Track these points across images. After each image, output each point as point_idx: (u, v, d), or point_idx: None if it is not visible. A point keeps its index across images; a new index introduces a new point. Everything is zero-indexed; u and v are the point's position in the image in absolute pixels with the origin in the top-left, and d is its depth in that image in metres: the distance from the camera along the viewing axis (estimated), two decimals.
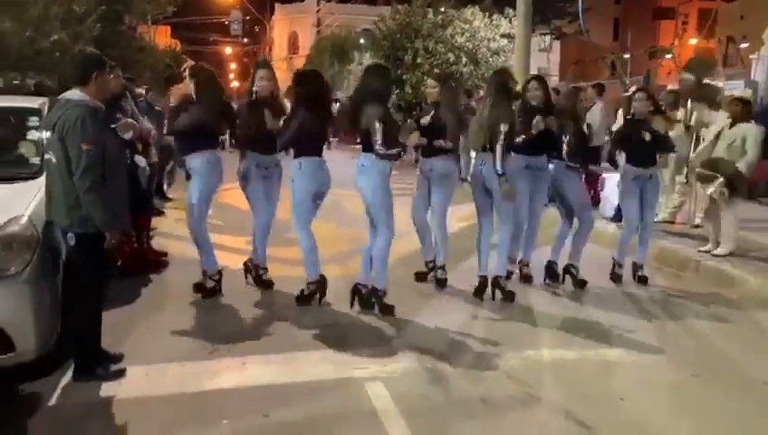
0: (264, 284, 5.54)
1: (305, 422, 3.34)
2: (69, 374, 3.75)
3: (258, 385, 3.73)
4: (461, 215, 7.68)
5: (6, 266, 3.48)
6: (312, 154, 5.04)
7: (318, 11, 46.89)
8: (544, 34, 29.48)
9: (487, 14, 16.57)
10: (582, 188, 6.02)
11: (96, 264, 3.69)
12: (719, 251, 6.45)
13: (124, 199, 3.80)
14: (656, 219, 8.44)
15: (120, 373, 3.81)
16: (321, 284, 5.13)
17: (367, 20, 21.04)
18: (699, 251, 6.65)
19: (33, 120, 4.66)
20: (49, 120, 3.64)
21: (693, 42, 33.23)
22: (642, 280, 5.95)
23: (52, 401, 3.52)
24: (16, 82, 11.39)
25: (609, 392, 3.75)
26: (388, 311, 4.90)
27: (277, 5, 51.39)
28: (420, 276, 5.83)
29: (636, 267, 6.02)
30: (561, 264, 5.88)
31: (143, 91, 10.46)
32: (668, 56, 29.59)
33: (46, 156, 3.68)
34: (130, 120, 5.84)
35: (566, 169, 5.62)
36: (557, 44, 41.86)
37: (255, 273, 5.59)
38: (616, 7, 53.22)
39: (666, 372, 4.08)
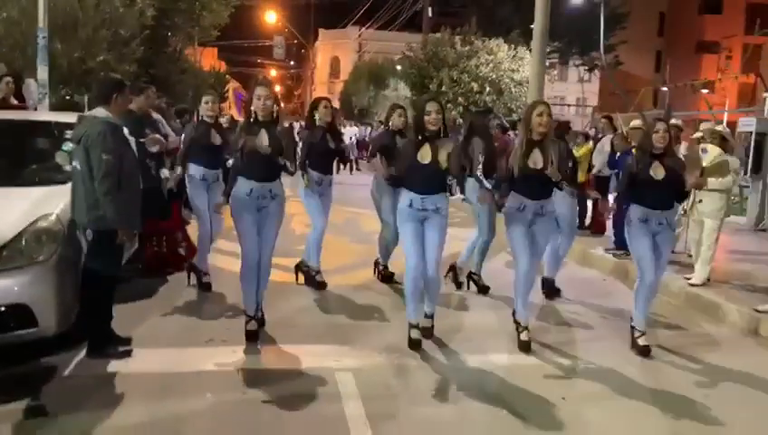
0: (318, 285, 6.27)
1: (275, 398, 3.88)
2: (83, 352, 4.35)
3: (243, 368, 4.29)
4: None
5: (36, 255, 4.11)
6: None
7: (359, 36, 48.08)
8: (578, 66, 29.88)
9: (512, 45, 17.12)
10: None
11: (110, 257, 4.30)
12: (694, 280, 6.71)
13: (137, 204, 4.41)
14: None
15: (127, 354, 4.41)
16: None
17: (409, 46, 21.79)
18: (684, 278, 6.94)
19: (69, 134, 5.33)
20: (77, 133, 4.28)
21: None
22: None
23: (66, 373, 4.12)
24: (68, 98, 12.39)
25: (551, 393, 4.16)
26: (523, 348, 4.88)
27: (321, 31, 52.91)
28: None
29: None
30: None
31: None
32: (705, 91, 29.58)
33: (72, 163, 4.33)
34: (157, 135, 6.53)
35: None
36: (597, 75, 42.15)
37: (307, 274, 6.37)
38: (659, 40, 53.12)
39: (609, 382, 4.47)
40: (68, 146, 5.14)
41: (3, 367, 4.08)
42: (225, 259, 6.80)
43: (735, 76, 27.83)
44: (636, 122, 9.76)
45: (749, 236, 10.32)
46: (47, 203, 4.44)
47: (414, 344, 4.77)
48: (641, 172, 4.97)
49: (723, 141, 6.86)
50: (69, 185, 4.59)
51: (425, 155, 4.72)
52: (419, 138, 4.79)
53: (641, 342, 5.01)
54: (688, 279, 6.80)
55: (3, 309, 3.95)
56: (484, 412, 3.85)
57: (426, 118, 4.74)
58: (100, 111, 4.28)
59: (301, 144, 6.39)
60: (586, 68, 30.49)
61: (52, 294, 4.13)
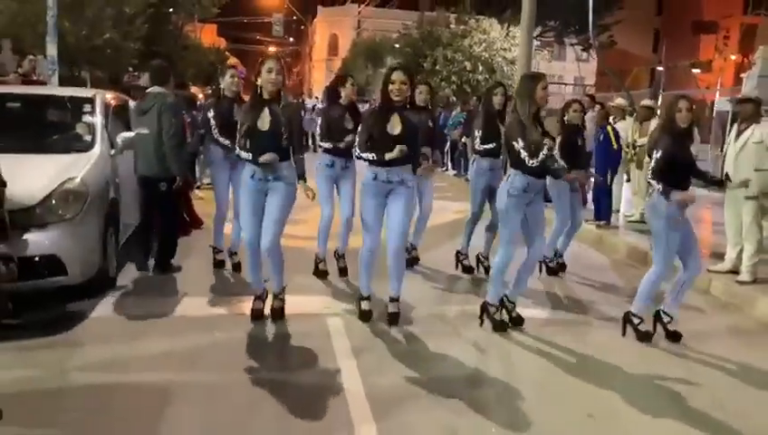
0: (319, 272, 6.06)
1: (273, 336, 4.58)
2: (107, 297, 5.03)
3: (246, 313, 4.89)
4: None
5: (64, 213, 4.71)
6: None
7: (359, 13, 48.24)
8: (574, 45, 30.23)
9: (505, 25, 17.58)
10: None
11: (173, 196, 5.75)
12: None
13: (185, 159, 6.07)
14: (631, 219, 9.31)
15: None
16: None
17: (405, 25, 22.14)
18: None
19: (87, 107, 5.92)
20: (145, 105, 5.59)
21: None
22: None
23: (93, 314, 4.77)
24: (75, 74, 12.90)
25: (512, 332, 4.81)
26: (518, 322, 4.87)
27: (319, 8, 52.99)
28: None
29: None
30: None
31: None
32: (696, 71, 30.07)
33: (135, 131, 5.53)
34: None
35: None
36: (594, 55, 42.30)
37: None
38: (657, 19, 53.10)
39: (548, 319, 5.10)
40: (88, 118, 5.78)
41: (36, 311, 4.71)
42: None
43: (724, 57, 28.23)
44: (619, 101, 10.30)
45: (722, 210, 10.89)
46: (72, 168, 5.03)
47: (365, 316, 4.81)
48: (682, 154, 4.50)
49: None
50: (90, 152, 5.26)
51: (395, 125, 4.56)
52: (387, 108, 4.60)
53: (642, 328, 4.75)
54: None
55: (37, 259, 4.56)
56: (453, 346, 4.50)
57: (390, 87, 4.53)
58: (157, 89, 5.62)
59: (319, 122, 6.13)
60: (582, 48, 30.83)
61: (78, 247, 4.73)
